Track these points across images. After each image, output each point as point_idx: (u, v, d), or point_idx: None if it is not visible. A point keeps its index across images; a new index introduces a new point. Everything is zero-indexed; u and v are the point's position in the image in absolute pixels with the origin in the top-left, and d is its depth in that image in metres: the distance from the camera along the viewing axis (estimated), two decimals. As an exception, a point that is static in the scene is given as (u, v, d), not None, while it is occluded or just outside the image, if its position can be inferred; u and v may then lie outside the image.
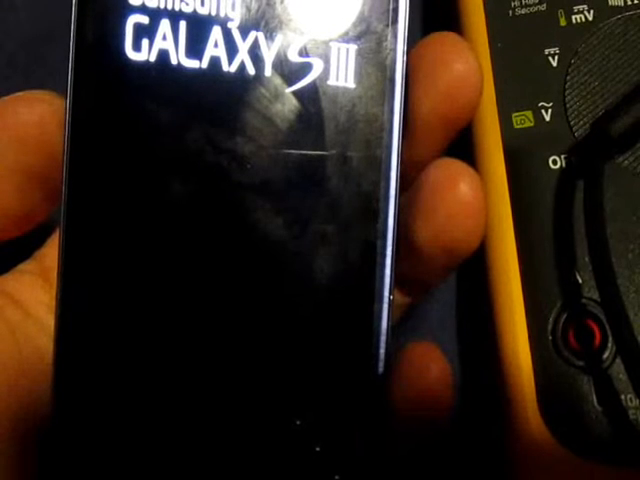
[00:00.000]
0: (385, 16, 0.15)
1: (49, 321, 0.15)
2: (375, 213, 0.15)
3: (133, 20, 0.15)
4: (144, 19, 0.15)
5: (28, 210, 0.17)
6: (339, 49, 0.15)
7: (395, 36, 0.15)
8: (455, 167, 0.15)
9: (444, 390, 0.15)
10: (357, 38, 0.15)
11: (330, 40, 0.15)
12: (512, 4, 0.21)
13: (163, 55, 0.15)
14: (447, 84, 0.15)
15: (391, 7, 0.15)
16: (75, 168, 0.15)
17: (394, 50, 0.15)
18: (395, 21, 0.15)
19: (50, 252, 0.17)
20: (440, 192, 0.15)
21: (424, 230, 0.15)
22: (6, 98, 0.16)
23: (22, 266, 0.17)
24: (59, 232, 0.15)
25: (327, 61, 0.15)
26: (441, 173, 0.15)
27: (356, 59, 0.15)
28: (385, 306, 0.15)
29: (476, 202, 0.15)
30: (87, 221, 0.15)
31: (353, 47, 0.15)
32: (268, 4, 0.15)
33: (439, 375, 0.15)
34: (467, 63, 0.15)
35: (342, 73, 0.15)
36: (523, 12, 0.21)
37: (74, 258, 0.15)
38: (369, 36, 0.15)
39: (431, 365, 0.15)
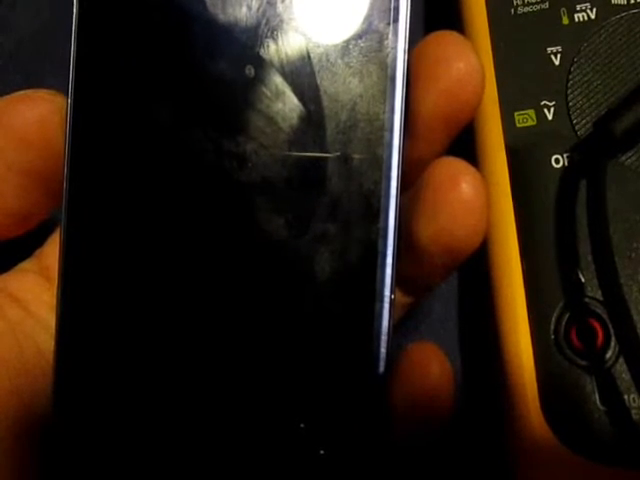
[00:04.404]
0: (386, 15, 0.15)
1: (50, 319, 0.15)
2: (376, 212, 0.15)
3: (135, 17, 0.15)
4: (145, 16, 0.15)
5: (29, 209, 0.17)
6: (340, 48, 0.15)
7: (396, 35, 0.15)
8: (457, 166, 0.15)
9: (445, 390, 0.15)
10: (358, 37, 0.15)
11: (331, 39, 0.15)
12: (514, 3, 0.21)
13: (165, 53, 0.15)
14: (448, 83, 0.15)
15: (392, 6, 0.15)
16: (76, 166, 0.15)
17: (395, 49, 0.15)
18: (396, 20, 0.15)
19: (51, 250, 0.17)
20: (442, 191, 0.15)
21: (426, 229, 0.15)
22: (7, 97, 0.16)
23: (23, 265, 0.17)
24: (60, 231, 0.15)
25: (328, 59, 0.15)
26: (443, 172, 0.15)
27: (357, 58, 0.15)
28: (386, 305, 0.15)
29: (478, 201, 0.15)
30: (88, 220, 0.15)
31: (354, 45, 0.15)
32: (269, 3, 0.15)
33: (440, 375, 0.15)
34: (468, 62, 0.15)
35: (343, 72, 0.15)
36: (525, 10, 0.21)
37: (75, 256, 0.15)
38: (370, 35, 0.15)
39: (432, 365, 0.15)
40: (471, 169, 0.15)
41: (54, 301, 0.15)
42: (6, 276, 0.17)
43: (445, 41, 0.15)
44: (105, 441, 0.15)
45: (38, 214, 0.17)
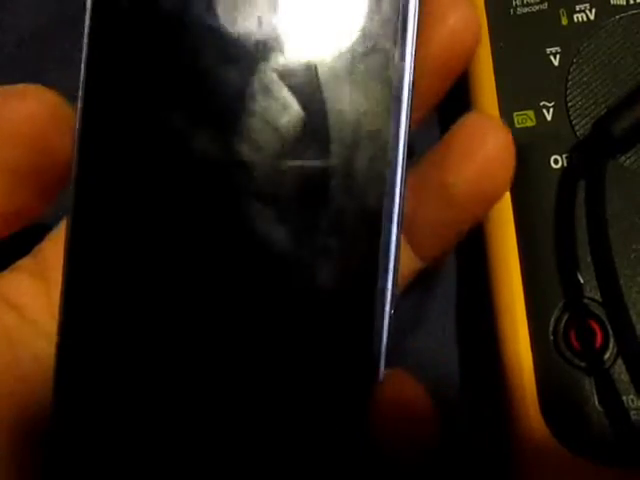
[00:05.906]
0: (393, 32, 0.15)
1: (46, 325, 0.15)
2: (378, 229, 0.14)
3: (144, 25, 0.15)
4: (153, 21, 0.14)
5: (17, 208, 0.16)
6: (347, 62, 0.14)
7: (403, 51, 0.15)
8: (488, 119, 0.17)
9: (426, 414, 0.14)
10: (365, 52, 0.15)
11: (338, 53, 0.15)
12: (513, 3, 0.21)
13: (171, 56, 0.15)
14: (444, 35, 0.16)
15: (400, 22, 0.14)
16: (84, 167, 0.15)
17: (402, 66, 0.14)
18: (403, 38, 0.15)
19: (49, 249, 0.17)
20: (478, 138, 0.16)
21: (460, 175, 0.16)
22: None
23: (20, 263, 0.17)
24: (65, 231, 0.15)
25: (333, 75, 0.15)
26: (473, 124, 0.16)
27: (363, 73, 0.14)
28: (386, 322, 0.14)
29: (506, 151, 0.16)
30: (93, 222, 0.15)
31: (361, 61, 0.15)
32: (277, 16, 0.14)
33: (417, 400, 0.14)
34: (464, 14, 0.16)
35: (348, 88, 0.14)
36: (524, 11, 0.21)
37: (79, 259, 0.15)
38: (377, 50, 0.15)
39: (407, 391, 0.14)
40: (500, 123, 0.16)
41: (50, 305, 0.15)
42: (0, 278, 0.17)
43: None
44: (105, 447, 0.14)
45: (28, 213, 0.17)
